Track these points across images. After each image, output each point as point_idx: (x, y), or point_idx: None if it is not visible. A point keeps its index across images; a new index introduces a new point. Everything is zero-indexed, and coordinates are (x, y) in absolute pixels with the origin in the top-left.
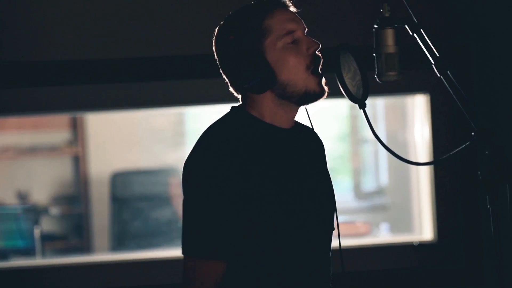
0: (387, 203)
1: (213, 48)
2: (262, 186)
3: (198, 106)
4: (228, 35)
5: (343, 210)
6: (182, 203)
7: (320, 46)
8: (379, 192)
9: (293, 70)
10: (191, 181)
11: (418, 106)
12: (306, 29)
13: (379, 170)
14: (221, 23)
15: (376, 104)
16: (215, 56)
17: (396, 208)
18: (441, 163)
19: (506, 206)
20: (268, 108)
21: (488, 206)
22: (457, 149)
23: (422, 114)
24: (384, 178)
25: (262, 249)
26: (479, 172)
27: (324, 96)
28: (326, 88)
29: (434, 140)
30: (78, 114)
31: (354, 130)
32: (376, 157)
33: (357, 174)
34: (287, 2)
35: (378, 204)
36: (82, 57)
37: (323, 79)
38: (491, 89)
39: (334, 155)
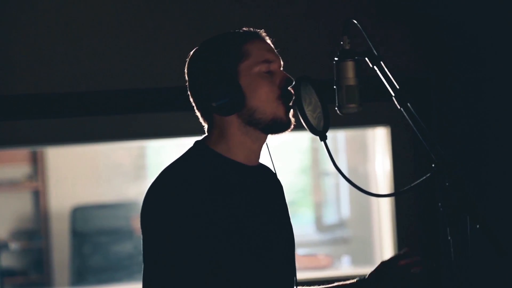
0: (349, 236)
1: (185, 67)
2: (224, 224)
3: (159, 139)
4: (205, 53)
5: (304, 243)
6: (142, 242)
7: (294, 82)
8: (341, 224)
9: (263, 98)
10: (150, 220)
11: (379, 138)
12: (282, 66)
13: (341, 202)
14: (198, 47)
15: (337, 137)
16: (186, 77)
17: (357, 241)
18: (401, 195)
19: (467, 238)
20: (233, 136)
21: (449, 238)
22: (418, 181)
23: (383, 147)
24: (345, 211)
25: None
26: (439, 204)
27: (291, 128)
28: (293, 120)
29: (394, 172)
30: (38, 148)
31: (315, 163)
32: (338, 190)
33: (318, 206)
34: (266, 38)
35: (339, 236)
36: (42, 91)
37: (291, 111)
38: (450, 122)
39: (296, 188)
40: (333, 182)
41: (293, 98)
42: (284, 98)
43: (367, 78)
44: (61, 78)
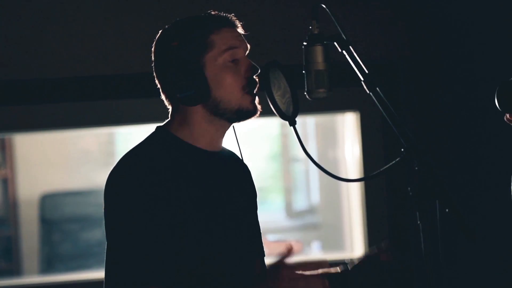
0: (319, 222)
1: (152, 50)
2: (181, 206)
3: (128, 126)
4: (171, 41)
5: (275, 229)
6: (106, 230)
7: (259, 71)
8: (311, 210)
9: (228, 89)
10: (110, 203)
11: (348, 123)
12: (248, 50)
13: (311, 188)
14: (166, 27)
15: (307, 123)
16: (152, 58)
17: (327, 226)
18: (370, 179)
19: (436, 222)
20: (197, 124)
21: (418, 222)
22: (387, 166)
23: (352, 132)
24: (315, 197)
25: (186, 270)
26: (409, 189)
27: (257, 115)
28: (259, 106)
29: (364, 158)
30: (6, 136)
31: (285, 149)
32: (307, 176)
33: (288, 193)
34: (236, 22)
35: (309, 222)
36: (10, 77)
37: (257, 98)
38: (419, 107)
39: (266, 174)
40: (303, 168)
41: (258, 85)
42: (249, 87)
43: (336, 63)
44: (29, 64)
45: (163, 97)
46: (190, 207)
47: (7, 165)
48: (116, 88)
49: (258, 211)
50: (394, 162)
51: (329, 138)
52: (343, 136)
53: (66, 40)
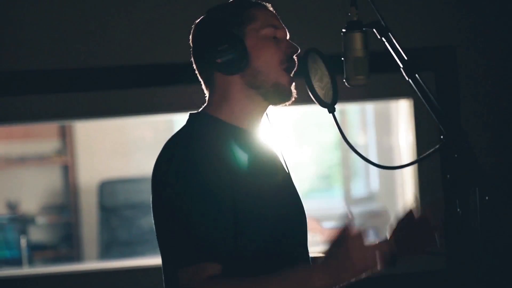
0: (378, 209)
1: (191, 33)
2: (247, 182)
3: (186, 113)
4: (211, 16)
5: (333, 216)
6: (163, 212)
7: (299, 50)
8: (370, 197)
9: (268, 60)
10: (170, 188)
11: (403, 111)
12: (288, 36)
13: (370, 176)
14: (205, 14)
15: (366, 110)
16: (191, 38)
17: (386, 214)
18: (405, 167)
19: (476, 209)
20: (236, 99)
21: (458, 210)
22: (426, 154)
23: (406, 119)
24: (374, 184)
25: (251, 246)
26: (448, 176)
27: (292, 99)
28: (294, 92)
29: (417, 145)
30: (67, 123)
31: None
32: (367, 163)
33: (347, 180)
34: (274, 11)
35: (368, 209)
36: (70, 65)
37: (294, 84)
38: (478, 91)
39: (325, 162)
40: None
41: (297, 67)
42: (287, 64)
43: (387, 50)
44: (89, 52)
45: (200, 79)
46: (246, 184)
47: (68, 152)
48: (175, 76)
49: (317, 198)
50: (433, 149)
51: (387, 126)
52: (398, 123)
53: (125, 28)
